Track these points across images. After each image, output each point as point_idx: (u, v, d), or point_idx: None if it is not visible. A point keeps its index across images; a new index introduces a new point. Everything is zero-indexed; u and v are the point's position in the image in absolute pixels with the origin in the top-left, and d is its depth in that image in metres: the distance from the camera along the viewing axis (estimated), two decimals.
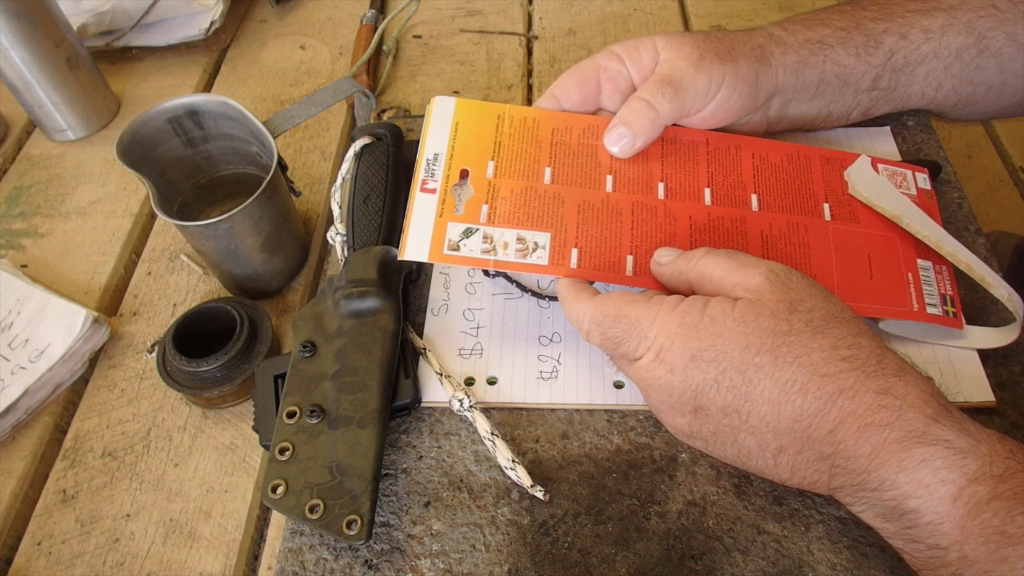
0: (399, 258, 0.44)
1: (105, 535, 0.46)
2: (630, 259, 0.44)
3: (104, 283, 0.59)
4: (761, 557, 0.39)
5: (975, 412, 0.43)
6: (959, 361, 0.45)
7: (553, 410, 0.46)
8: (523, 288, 0.51)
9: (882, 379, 0.34)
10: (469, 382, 0.47)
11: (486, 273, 0.52)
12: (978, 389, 0.44)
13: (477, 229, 0.44)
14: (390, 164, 0.52)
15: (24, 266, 0.60)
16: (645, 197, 0.46)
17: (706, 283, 0.39)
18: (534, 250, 0.44)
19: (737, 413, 0.36)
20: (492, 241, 0.44)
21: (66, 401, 0.53)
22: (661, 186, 0.47)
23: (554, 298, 0.50)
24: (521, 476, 0.42)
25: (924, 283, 0.46)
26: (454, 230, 0.44)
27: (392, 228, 0.50)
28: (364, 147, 0.53)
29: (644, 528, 0.41)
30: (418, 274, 0.53)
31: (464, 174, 0.47)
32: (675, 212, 0.46)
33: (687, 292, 0.41)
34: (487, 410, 0.46)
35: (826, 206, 0.48)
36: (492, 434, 0.43)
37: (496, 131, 0.48)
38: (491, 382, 0.47)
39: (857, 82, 0.51)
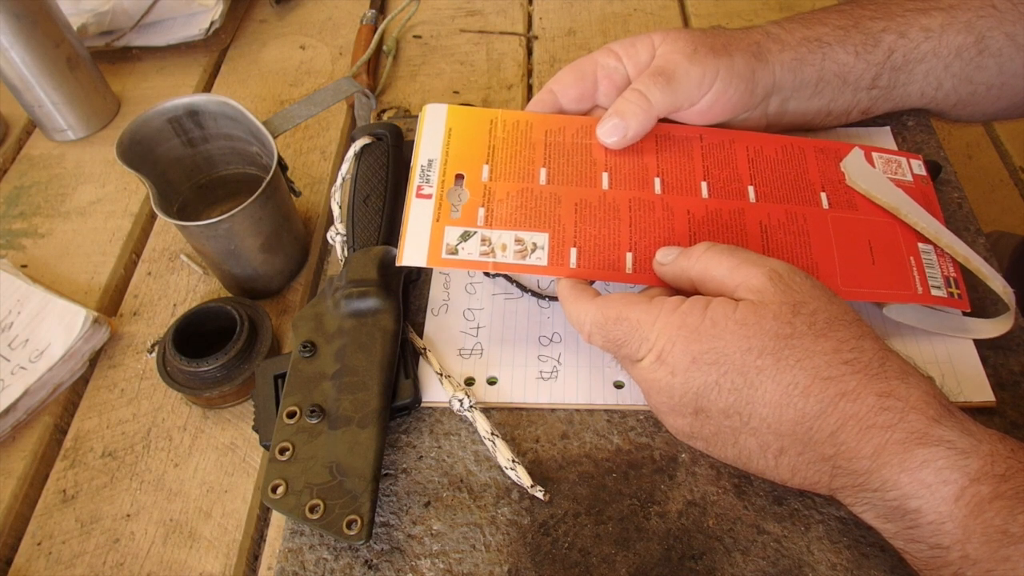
0: (397, 264, 0.44)
1: (105, 535, 0.46)
2: (629, 256, 0.44)
3: (104, 283, 0.59)
4: (761, 557, 0.39)
5: (975, 412, 0.43)
6: (959, 361, 0.45)
7: (553, 410, 0.46)
8: (523, 288, 0.51)
9: (884, 382, 0.34)
10: (469, 382, 0.47)
11: (486, 273, 0.52)
12: (978, 389, 0.44)
13: (475, 232, 0.44)
14: (390, 164, 0.52)
15: (24, 266, 0.60)
16: (642, 192, 0.46)
17: (708, 281, 0.39)
18: (533, 251, 0.44)
19: (738, 415, 0.36)
20: (490, 243, 0.44)
21: (66, 401, 0.53)
22: (657, 181, 0.47)
23: (554, 298, 0.50)
24: (521, 476, 0.42)
25: (927, 266, 0.46)
26: (452, 234, 0.44)
27: (392, 228, 0.50)
28: (364, 147, 0.53)
29: (644, 528, 0.41)
30: (418, 274, 0.53)
31: (459, 178, 0.47)
32: (673, 206, 0.46)
33: (690, 290, 0.41)
34: (487, 410, 0.46)
35: (823, 195, 0.48)
36: (492, 434, 0.43)
37: (489, 136, 0.48)
38: (491, 382, 0.47)
39: (857, 80, 0.51)
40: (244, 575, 0.45)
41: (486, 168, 0.47)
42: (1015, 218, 0.64)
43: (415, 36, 0.78)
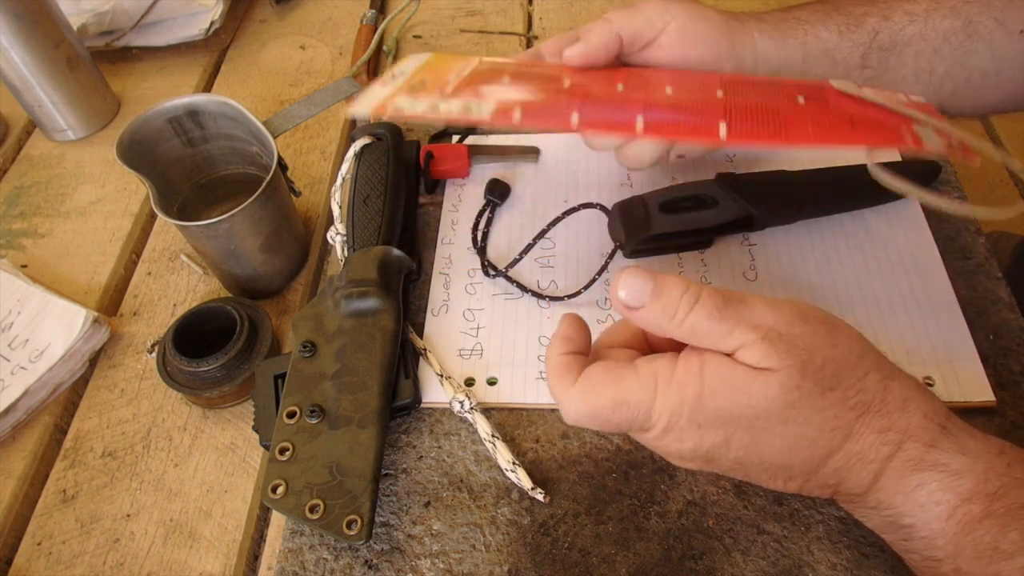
0: (348, 112, 0.43)
1: (105, 535, 0.46)
2: (575, 115, 0.41)
3: (104, 283, 0.59)
4: (761, 557, 0.39)
5: (975, 412, 0.43)
6: (959, 361, 0.45)
7: (553, 410, 0.46)
8: (523, 288, 0.51)
9: (885, 417, 0.34)
10: (469, 382, 0.47)
11: (486, 273, 0.52)
12: (978, 389, 0.44)
13: (426, 100, 0.43)
14: (390, 164, 0.52)
15: (24, 266, 0.60)
16: (603, 88, 0.44)
17: (696, 343, 0.35)
18: (478, 109, 0.42)
19: (749, 462, 0.36)
20: (438, 108, 0.43)
21: (66, 401, 0.53)
22: (620, 86, 0.45)
23: (555, 298, 0.50)
24: (521, 478, 0.42)
25: (919, 128, 0.41)
26: (404, 100, 0.43)
27: (392, 228, 0.50)
28: (364, 147, 0.53)
29: (644, 528, 0.41)
30: (418, 274, 0.53)
31: (422, 84, 0.45)
32: (632, 97, 0.43)
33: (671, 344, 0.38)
34: (487, 410, 0.46)
35: (800, 97, 0.44)
36: (493, 436, 0.43)
37: (464, 63, 0.47)
38: (491, 382, 0.47)
39: (845, 59, 0.50)
40: (244, 575, 0.45)
41: (452, 76, 0.46)
42: (1015, 218, 0.64)
43: (415, 36, 0.78)
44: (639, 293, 0.35)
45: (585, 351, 0.37)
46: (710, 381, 0.33)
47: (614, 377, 0.35)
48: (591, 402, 0.35)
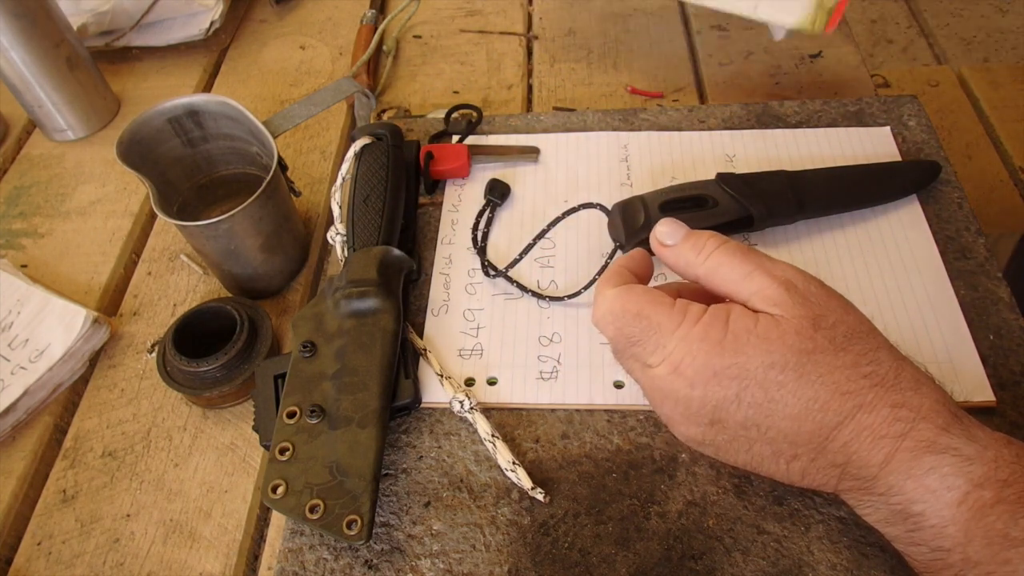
0: None
1: (105, 535, 0.46)
2: None
3: (104, 283, 0.59)
4: (761, 557, 0.39)
5: (975, 412, 0.43)
6: (959, 361, 0.45)
7: (553, 410, 0.46)
8: (523, 288, 0.51)
9: (898, 393, 0.34)
10: (469, 382, 0.47)
11: (486, 273, 0.52)
12: (978, 389, 0.44)
13: None
14: (390, 164, 0.52)
15: (24, 266, 0.60)
16: None
17: (717, 283, 0.38)
18: None
19: (756, 427, 0.36)
20: None
21: (66, 401, 0.53)
22: None
23: (554, 298, 0.50)
24: (522, 478, 0.42)
25: None
26: None
27: (392, 228, 0.50)
28: (364, 147, 0.53)
29: (644, 528, 0.41)
30: (418, 274, 0.53)
31: None
32: None
33: (694, 282, 0.40)
34: (487, 411, 0.46)
35: None
36: (493, 436, 0.43)
37: None
38: (491, 382, 0.47)
39: None
40: (244, 575, 0.45)
41: None
42: (1015, 218, 0.64)
43: (415, 36, 0.78)
44: (675, 233, 0.39)
45: (642, 278, 0.41)
46: (734, 328, 0.35)
47: (650, 297, 0.38)
48: (618, 303, 0.38)
